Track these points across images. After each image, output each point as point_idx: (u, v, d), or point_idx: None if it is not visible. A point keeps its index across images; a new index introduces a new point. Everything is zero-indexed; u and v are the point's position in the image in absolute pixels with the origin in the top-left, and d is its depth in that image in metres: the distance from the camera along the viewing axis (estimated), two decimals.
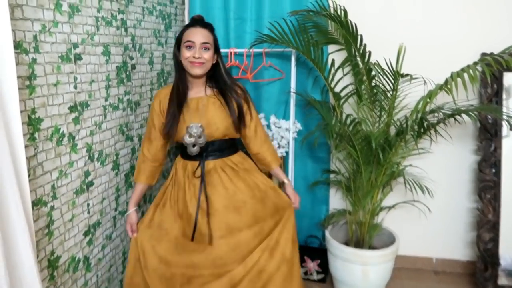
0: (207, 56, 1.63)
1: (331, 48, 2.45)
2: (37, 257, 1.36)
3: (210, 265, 1.56)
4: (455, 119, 2.16)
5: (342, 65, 2.28)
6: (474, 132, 2.51)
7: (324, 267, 2.57)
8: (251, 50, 2.44)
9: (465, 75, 1.78)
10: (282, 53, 2.53)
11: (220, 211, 1.63)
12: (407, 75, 1.84)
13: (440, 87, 1.86)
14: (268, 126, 2.57)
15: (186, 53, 1.63)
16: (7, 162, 1.11)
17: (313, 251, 2.64)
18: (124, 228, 1.96)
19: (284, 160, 2.54)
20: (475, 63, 1.80)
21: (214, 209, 1.62)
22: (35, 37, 1.33)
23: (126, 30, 1.93)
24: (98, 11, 1.69)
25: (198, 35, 1.62)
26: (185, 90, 1.69)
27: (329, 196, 2.76)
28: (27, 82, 1.31)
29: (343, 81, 2.32)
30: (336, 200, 2.76)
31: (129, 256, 1.69)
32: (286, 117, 2.60)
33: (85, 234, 1.65)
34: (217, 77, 1.72)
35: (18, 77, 1.25)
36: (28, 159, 1.31)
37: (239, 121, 1.71)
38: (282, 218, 1.72)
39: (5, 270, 1.03)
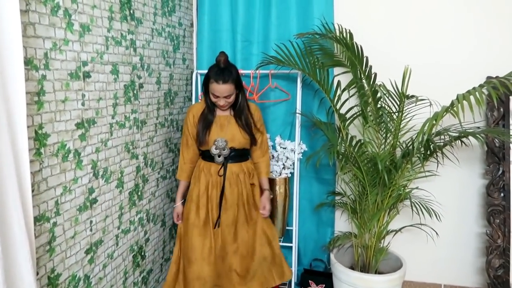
0: (230, 100, 2.02)
1: (337, 70, 2.48)
2: (37, 274, 1.35)
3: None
4: (462, 142, 2.14)
5: (347, 88, 2.30)
6: (482, 156, 2.48)
7: None
8: (257, 71, 2.47)
9: (472, 97, 1.78)
10: (288, 75, 2.56)
11: (232, 206, 2.07)
12: (412, 96, 1.84)
13: (446, 109, 1.85)
14: (274, 147, 2.57)
15: (213, 99, 2.02)
16: (11, 176, 1.11)
17: (318, 275, 2.58)
18: (126, 247, 1.93)
19: (289, 181, 2.53)
20: (481, 86, 1.80)
21: (228, 204, 2.06)
22: (45, 54, 1.36)
23: (135, 50, 1.96)
24: (108, 31, 1.73)
25: (222, 91, 1.97)
26: (214, 113, 2.08)
27: (335, 219, 2.72)
28: (36, 98, 1.33)
29: (348, 103, 2.32)
30: (342, 223, 2.72)
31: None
32: (291, 138, 2.60)
33: (87, 252, 1.63)
34: (236, 104, 2.09)
35: (27, 92, 1.27)
36: (33, 174, 1.32)
37: (252, 137, 2.11)
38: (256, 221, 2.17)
39: (3, 285, 1.02)
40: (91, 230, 1.65)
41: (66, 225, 1.50)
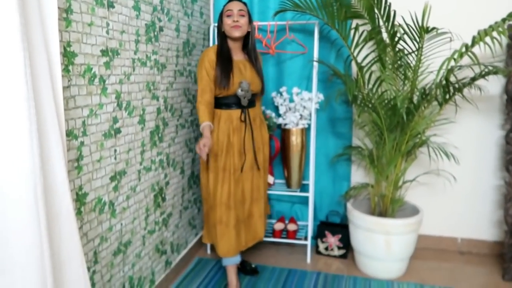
0: (243, 21, 2.03)
1: (354, 25, 2.47)
2: None
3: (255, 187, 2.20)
4: (480, 90, 2.13)
5: (367, 38, 2.26)
6: (501, 107, 2.46)
7: (346, 243, 2.53)
8: (274, 23, 2.48)
9: (494, 33, 1.77)
10: (305, 28, 2.56)
11: (250, 151, 2.14)
12: (433, 29, 1.83)
13: (466, 47, 1.85)
14: (290, 100, 2.59)
15: (227, 20, 2.02)
16: (46, 79, 1.14)
17: (334, 226, 2.60)
18: (147, 184, 1.98)
19: (305, 133, 2.54)
20: (503, 20, 1.79)
21: (247, 148, 2.13)
22: None
23: None
24: None
25: (235, 5, 2.04)
26: (230, 53, 2.08)
27: (351, 172, 2.73)
28: (64, 15, 1.36)
29: (366, 50, 2.32)
30: (358, 177, 2.73)
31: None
32: (308, 91, 2.61)
33: (112, 179, 1.68)
34: (248, 45, 2.12)
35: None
36: (63, 88, 1.36)
37: (263, 84, 2.17)
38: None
39: (39, 176, 1.05)
40: (115, 158, 1.69)
41: (93, 147, 1.54)
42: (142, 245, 1.95)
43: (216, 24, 2.61)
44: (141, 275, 1.95)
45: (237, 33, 2.01)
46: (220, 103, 2.09)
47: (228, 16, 2.02)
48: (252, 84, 2.08)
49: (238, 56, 2.12)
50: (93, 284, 1.58)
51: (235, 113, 2.08)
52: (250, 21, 2.08)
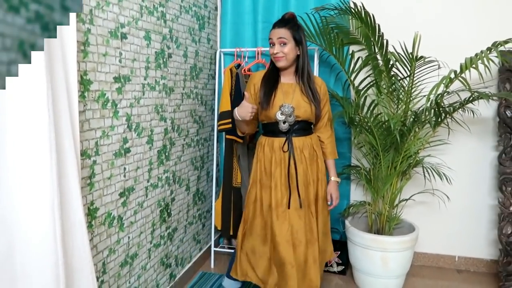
0: (286, 50, 1.88)
1: (353, 49, 2.61)
2: None
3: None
4: (473, 113, 2.23)
5: (364, 63, 2.40)
6: (494, 129, 2.56)
7: (344, 260, 2.61)
8: None
9: (479, 62, 1.88)
10: None
11: (309, 183, 1.95)
12: (421, 57, 1.95)
13: (455, 73, 1.96)
14: None
15: (270, 50, 1.93)
16: (65, 109, 1.29)
17: (333, 243, 2.67)
18: (154, 201, 2.11)
19: None
20: (489, 49, 1.90)
21: (306, 182, 1.94)
22: (90, 11, 1.56)
23: (165, 22, 2.16)
24: (143, 0, 1.93)
25: (275, 33, 1.89)
26: (277, 76, 1.98)
27: (350, 191, 2.83)
28: (82, 47, 1.53)
29: (363, 74, 2.45)
30: (356, 195, 2.83)
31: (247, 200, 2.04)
32: None
33: (121, 195, 1.81)
34: (300, 68, 1.95)
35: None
36: (79, 112, 1.50)
37: (318, 109, 1.96)
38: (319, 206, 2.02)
39: (57, 196, 1.19)
40: (124, 176, 1.83)
41: (104, 166, 1.68)
42: (148, 258, 2.07)
43: (222, 50, 2.79)
44: (146, 286, 2.06)
45: (280, 64, 1.90)
46: (266, 130, 2.01)
47: (271, 45, 1.91)
48: (298, 108, 1.90)
49: (288, 79, 1.97)
50: None
51: (278, 141, 1.94)
52: (298, 42, 1.89)
